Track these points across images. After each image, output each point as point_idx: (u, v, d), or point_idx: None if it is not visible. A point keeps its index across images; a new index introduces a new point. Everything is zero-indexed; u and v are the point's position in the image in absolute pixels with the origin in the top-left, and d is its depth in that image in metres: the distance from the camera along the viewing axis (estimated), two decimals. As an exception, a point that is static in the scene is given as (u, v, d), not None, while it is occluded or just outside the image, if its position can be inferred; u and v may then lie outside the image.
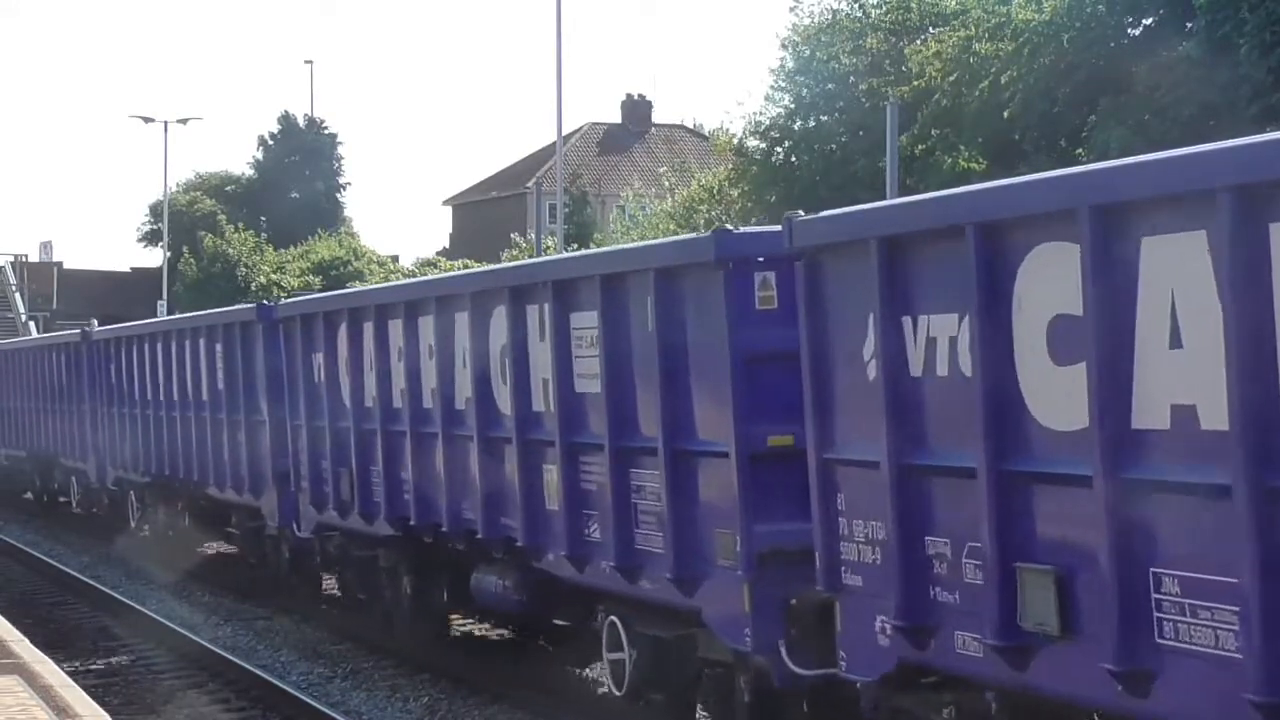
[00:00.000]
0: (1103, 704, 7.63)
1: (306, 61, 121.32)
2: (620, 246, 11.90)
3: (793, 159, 37.85)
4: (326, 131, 67.96)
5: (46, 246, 72.40)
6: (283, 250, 58.78)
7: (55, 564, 24.18)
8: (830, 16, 37.88)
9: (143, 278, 65.42)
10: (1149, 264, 7.16)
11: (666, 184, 48.06)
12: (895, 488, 8.71)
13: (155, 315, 46.36)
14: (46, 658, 13.26)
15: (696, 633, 10.80)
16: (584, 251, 12.30)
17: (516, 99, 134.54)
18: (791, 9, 46.19)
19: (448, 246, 67.93)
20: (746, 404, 10.00)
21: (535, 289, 12.22)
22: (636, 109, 70.13)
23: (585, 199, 57.05)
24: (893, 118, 30.02)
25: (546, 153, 60.04)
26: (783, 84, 38.44)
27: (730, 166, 40.97)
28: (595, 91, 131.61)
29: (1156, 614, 7.19)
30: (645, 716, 11.74)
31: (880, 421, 8.77)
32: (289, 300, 19.17)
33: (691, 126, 68.34)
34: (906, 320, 8.67)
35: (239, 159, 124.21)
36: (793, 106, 38.23)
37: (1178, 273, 7.02)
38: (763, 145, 38.54)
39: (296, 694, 14.12)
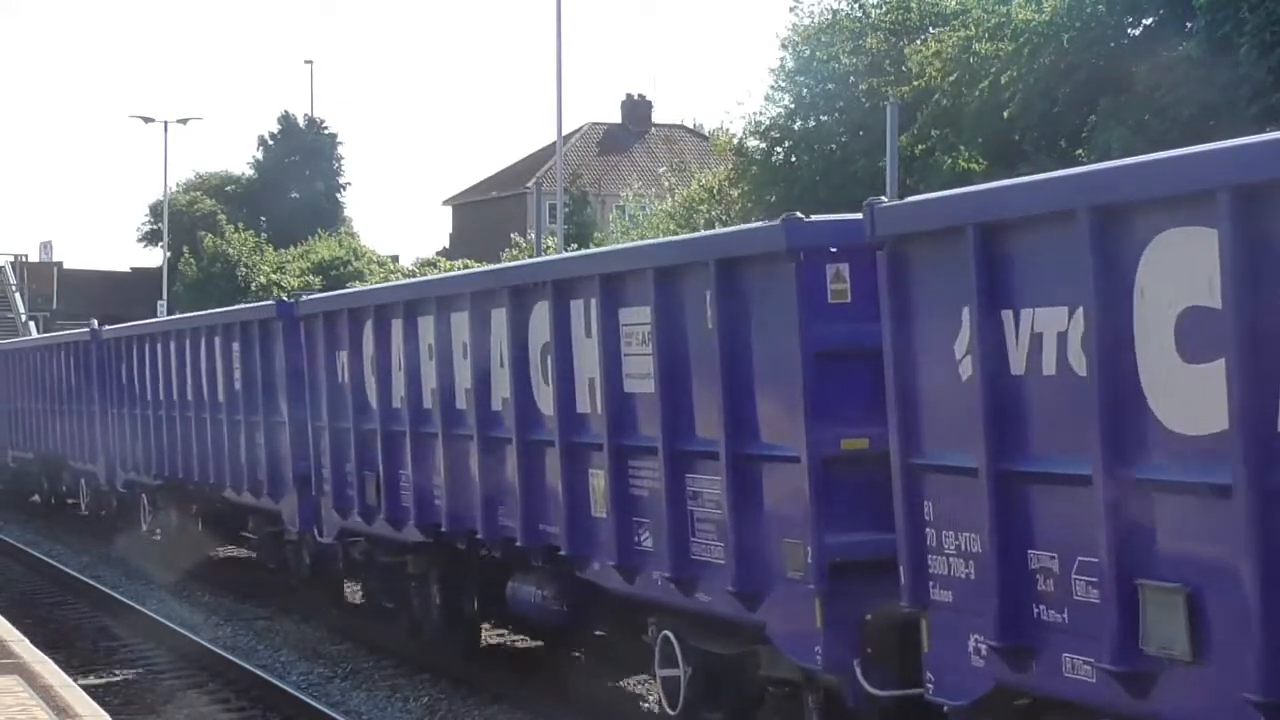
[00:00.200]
0: (1242, 737, 6.70)
1: (306, 61, 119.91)
2: (674, 238, 10.89)
3: (793, 159, 37.00)
4: (326, 131, 66.72)
5: (46, 246, 71.22)
6: (283, 250, 57.60)
7: (55, 564, 23.53)
8: (830, 16, 37.05)
9: (143, 278, 64.24)
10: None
11: (666, 184, 47.16)
12: (994, 497, 7.76)
13: (155, 315, 45.32)
14: (46, 658, 12.92)
15: (759, 649, 9.80)
16: (635, 243, 11.24)
17: (516, 99, 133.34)
18: (791, 9, 45.32)
19: (448, 246, 66.78)
20: (819, 405, 9.01)
21: (580, 283, 11.21)
22: (636, 109, 68.89)
23: (585, 199, 55.95)
24: (893, 118, 29.36)
25: (546, 153, 58.99)
26: (783, 84, 37.59)
27: (730, 166, 40.10)
28: (595, 91, 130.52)
29: (1312, 638, 6.27)
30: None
31: (976, 425, 7.82)
32: (311, 297, 18.04)
33: (691, 126, 67.15)
34: (1007, 314, 7.72)
35: (239, 159, 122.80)
36: (793, 106, 37.38)
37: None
38: (763, 145, 37.68)
39: (296, 694, 13.71)
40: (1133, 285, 7.04)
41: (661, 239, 11.34)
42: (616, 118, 69.44)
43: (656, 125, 68.98)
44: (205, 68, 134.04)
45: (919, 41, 35.62)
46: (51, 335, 32.60)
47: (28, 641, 13.69)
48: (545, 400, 11.74)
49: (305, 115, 67.15)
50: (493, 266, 15.69)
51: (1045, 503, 7.60)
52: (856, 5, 36.87)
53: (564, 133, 44.64)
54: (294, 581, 18.44)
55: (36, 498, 31.99)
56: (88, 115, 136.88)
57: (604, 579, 11.24)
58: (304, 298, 17.82)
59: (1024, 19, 31.69)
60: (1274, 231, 6.40)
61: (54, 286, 65.89)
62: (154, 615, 18.22)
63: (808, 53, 36.68)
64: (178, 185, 65.16)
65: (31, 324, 56.98)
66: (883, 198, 8.68)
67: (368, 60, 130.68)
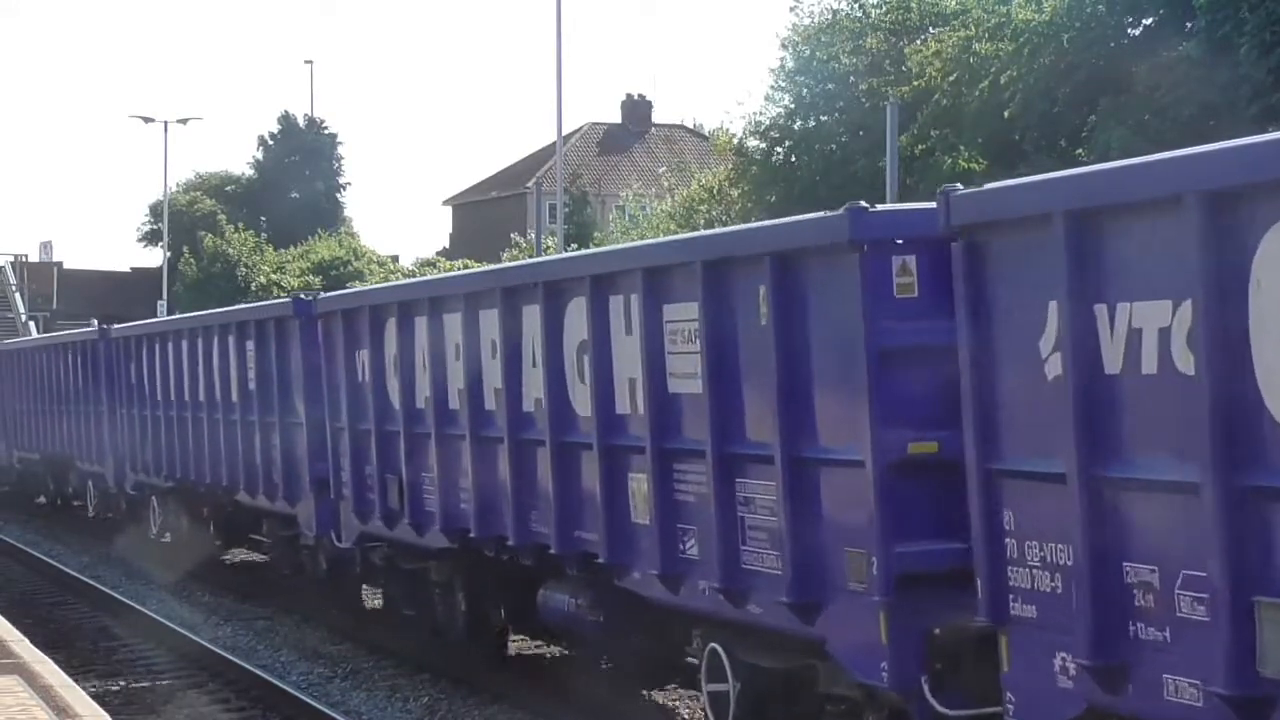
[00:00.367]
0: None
1: (306, 61, 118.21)
2: (726, 229, 10.08)
3: (793, 159, 36.33)
4: (326, 131, 65.59)
5: (46, 246, 70.21)
6: (283, 250, 56.64)
7: (55, 564, 22.92)
8: (830, 16, 36.39)
9: (143, 278, 63.29)
10: None
11: (666, 184, 46.43)
12: (1086, 505, 7.03)
13: (155, 315, 44.46)
14: (46, 658, 12.65)
15: (816, 664, 9.04)
16: (682, 235, 10.41)
17: (516, 99, 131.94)
18: (791, 9, 44.57)
19: (448, 246, 65.86)
20: (884, 406, 8.25)
21: (620, 278, 10.39)
22: (636, 109, 67.75)
23: (585, 199, 55.03)
24: (893, 118, 28.93)
25: (546, 153, 58.10)
26: (783, 84, 36.90)
27: (730, 166, 39.39)
28: (595, 91, 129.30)
29: None
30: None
31: (1065, 428, 7.09)
32: (329, 294, 17.13)
33: (691, 126, 66.15)
34: (1100, 309, 6.99)
35: (239, 159, 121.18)
36: (793, 106, 36.71)
37: None
38: (763, 145, 37.00)
39: (296, 694, 13.37)
40: (1248, 276, 6.32)
41: (712, 231, 10.51)
42: (616, 118, 68.36)
43: (656, 125, 67.94)
44: (205, 68, 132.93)
45: (919, 41, 35.05)
46: (59, 334, 31.39)
47: (28, 641, 13.39)
48: (581, 401, 10.93)
49: (305, 115, 66.25)
50: (524, 261, 14.84)
51: (1144, 512, 6.88)
52: (856, 5, 36.26)
53: (564, 133, 43.86)
54: (310, 587, 17.61)
55: (42, 499, 30.91)
56: (88, 115, 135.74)
57: (645, 588, 10.43)
58: (321, 295, 16.90)
59: (1024, 19, 31.34)
60: None
61: (54, 286, 64.98)
62: (154, 615, 17.80)
63: (808, 53, 36.05)
64: (178, 185, 64.36)
65: (31, 324, 56.12)
66: (959, 185, 7.88)
67: (368, 60, 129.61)
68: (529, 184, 52.07)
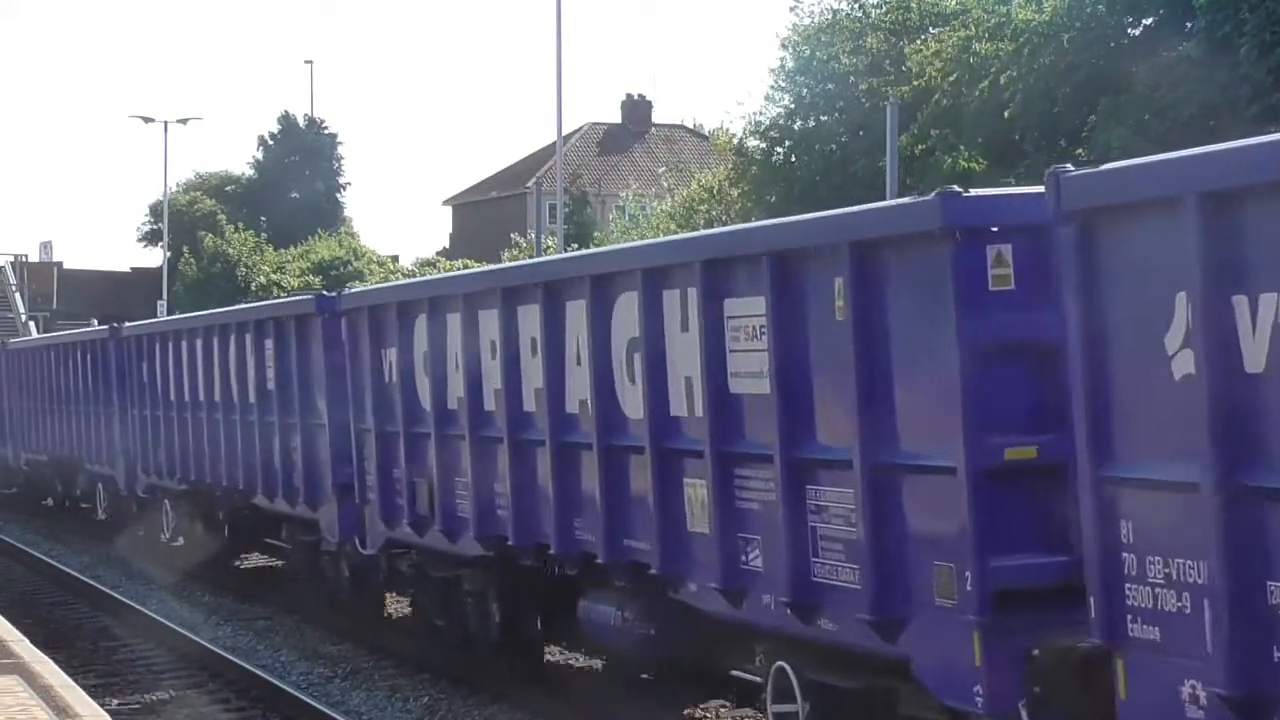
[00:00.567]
0: None
1: (306, 61, 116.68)
2: (799, 217, 9.15)
3: (793, 159, 35.60)
4: (326, 131, 64.35)
5: (46, 246, 69.06)
6: (283, 250, 55.64)
7: (55, 564, 22.26)
8: (830, 16, 35.67)
9: (143, 278, 62.23)
10: None
11: (665, 184, 45.60)
12: (1223, 518, 6.16)
13: (155, 315, 43.45)
14: (46, 658, 12.49)
15: (897, 686, 8.16)
16: (747, 224, 9.48)
17: (516, 99, 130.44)
18: (791, 9, 43.86)
19: (448, 246, 64.83)
20: (979, 408, 7.36)
21: (675, 272, 9.47)
22: (636, 109, 66.56)
23: (585, 199, 54.03)
24: (893, 118, 28.37)
25: (546, 153, 57.14)
26: (783, 84, 36.15)
27: (730, 166, 38.59)
28: (595, 91, 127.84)
29: None
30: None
31: (1197, 432, 6.22)
32: (355, 290, 16.05)
33: (691, 126, 65.07)
34: (1239, 300, 6.12)
35: (239, 159, 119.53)
36: (793, 106, 35.97)
37: None
38: (763, 145, 36.25)
39: (296, 694, 13.12)
40: None
41: (783, 219, 9.55)
42: (616, 118, 67.19)
43: (656, 125, 66.77)
44: (205, 68, 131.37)
45: (919, 41, 34.40)
46: (67, 333, 30.15)
47: (28, 641, 13.15)
48: (632, 402, 9.99)
49: (305, 115, 65.09)
50: (569, 254, 13.85)
51: (1294, 526, 6.03)
52: (856, 5, 35.57)
53: (564, 133, 42.99)
54: (332, 595, 16.52)
55: (49, 502, 29.78)
56: (88, 115, 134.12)
57: (702, 601, 9.50)
58: (345, 290, 15.85)
59: (1024, 19, 30.88)
60: None
61: (54, 286, 63.94)
62: (154, 615, 17.29)
63: (808, 53, 35.34)
64: (178, 185, 63.31)
65: (31, 324, 55.13)
66: (1069, 166, 6.99)
67: (368, 60, 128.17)
68: (529, 184, 51.17)
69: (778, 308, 8.50)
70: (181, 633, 16.03)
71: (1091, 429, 6.78)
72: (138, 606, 17.89)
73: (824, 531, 8.35)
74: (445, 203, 70.30)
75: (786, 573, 8.52)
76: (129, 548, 22.34)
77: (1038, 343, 7.31)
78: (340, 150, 64.49)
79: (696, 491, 9.31)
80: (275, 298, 40.26)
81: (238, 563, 21.30)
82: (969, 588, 7.41)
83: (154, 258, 63.73)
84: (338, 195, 64.55)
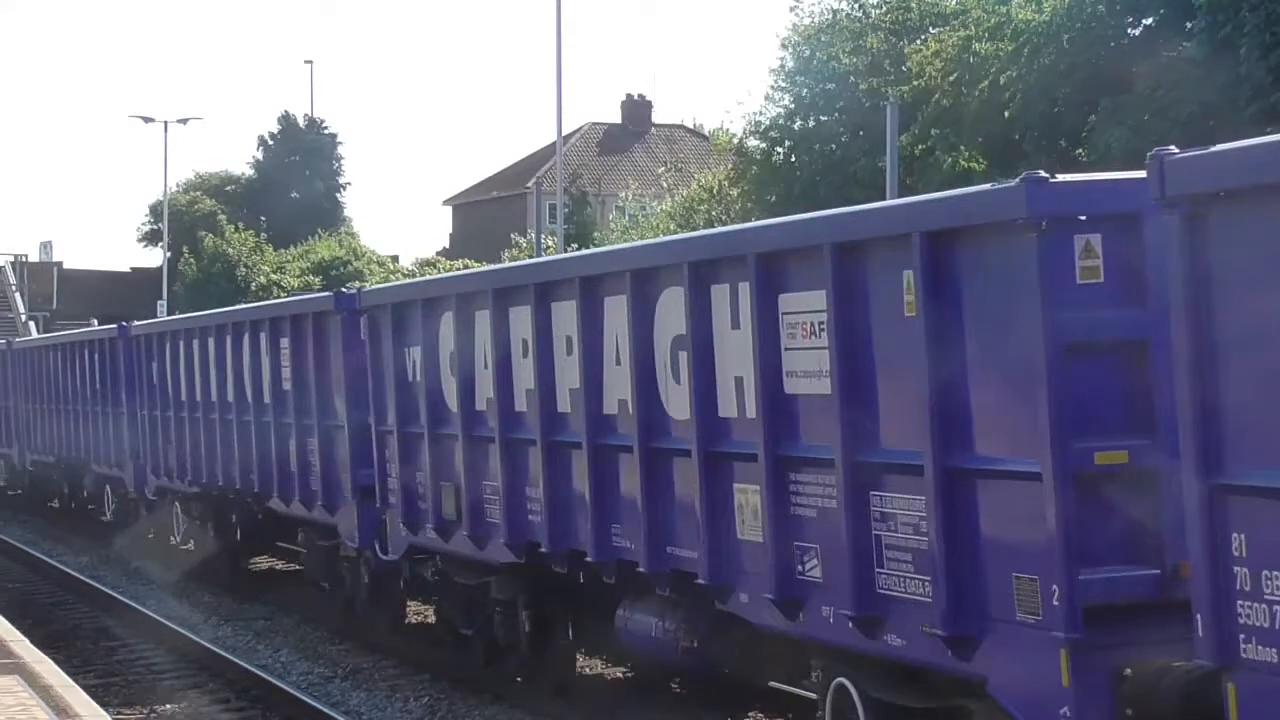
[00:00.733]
0: None
1: (306, 61, 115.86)
2: (864, 206, 8.58)
3: (793, 159, 35.16)
4: (326, 131, 63.60)
5: (46, 246, 68.36)
6: (283, 250, 54.99)
7: (55, 564, 21.94)
8: (830, 16, 35.27)
9: (143, 278, 61.61)
10: None
11: (665, 184, 45.10)
12: (1353, 531, 5.63)
13: (155, 315, 42.79)
14: (46, 658, 12.51)
15: (972, 706, 7.55)
16: (803, 215, 8.86)
17: (516, 99, 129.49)
18: (791, 9, 43.37)
19: (448, 246, 64.21)
20: (1066, 409, 6.78)
21: (725, 265, 8.88)
22: (636, 109, 65.82)
23: (585, 199, 53.41)
24: (893, 118, 27.99)
25: (546, 153, 56.58)
26: (783, 84, 35.69)
27: (730, 166, 38.10)
28: (595, 91, 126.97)
29: None
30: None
31: (1321, 438, 5.68)
32: (376, 287, 15.38)
33: (691, 126, 64.51)
34: (1367, 297, 5.59)
35: (239, 159, 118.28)
36: (793, 106, 35.53)
37: None
38: (763, 145, 35.79)
39: (296, 694, 12.98)
40: None
41: (848, 208, 8.96)
42: (616, 118, 66.45)
43: (656, 125, 65.99)
44: (205, 68, 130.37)
45: (919, 41, 33.99)
46: (74, 332, 29.33)
47: (28, 641, 13.13)
48: (677, 403, 9.40)
49: (305, 115, 64.39)
50: (606, 248, 13.21)
51: None
52: (856, 5, 35.17)
53: (564, 133, 42.47)
54: (350, 602, 15.83)
55: (55, 503, 29.02)
56: (88, 115, 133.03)
57: (754, 614, 8.91)
58: (366, 287, 15.18)
59: (1024, 19, 30.58)
60: None
61: (54, 286, 63.35)
62: (154, 615, 17.08)
63: (808, 53, 34.92)
64: (178, 185, 62.66)
65: (31, 324, 54.51)
66: (1173, 148, 6.41)
67: (368, 60, 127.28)
68: (529, 184, 50.60)
69: (840, 303, 7.93)
70: (181, 633, 15.77)
71: (1199, 433, 6.21)
72: (138, 606, 17.62)
73: (890, 540, 7.79)
74: (445, 203, 69.71)
75: (849, 584, 7.94)
76: (138, 551, 21.78)
77: (1129, 340, 6.78)
78: (340, 150, 64.03)
79: (748, 497, 8.73)
80: (275, 298, 39.69)
81: (249, 566, 20.74)
82: (1055, 602, 6.85)
83: (154, 258, 63.24)
84: (338, 195, 63.90)
